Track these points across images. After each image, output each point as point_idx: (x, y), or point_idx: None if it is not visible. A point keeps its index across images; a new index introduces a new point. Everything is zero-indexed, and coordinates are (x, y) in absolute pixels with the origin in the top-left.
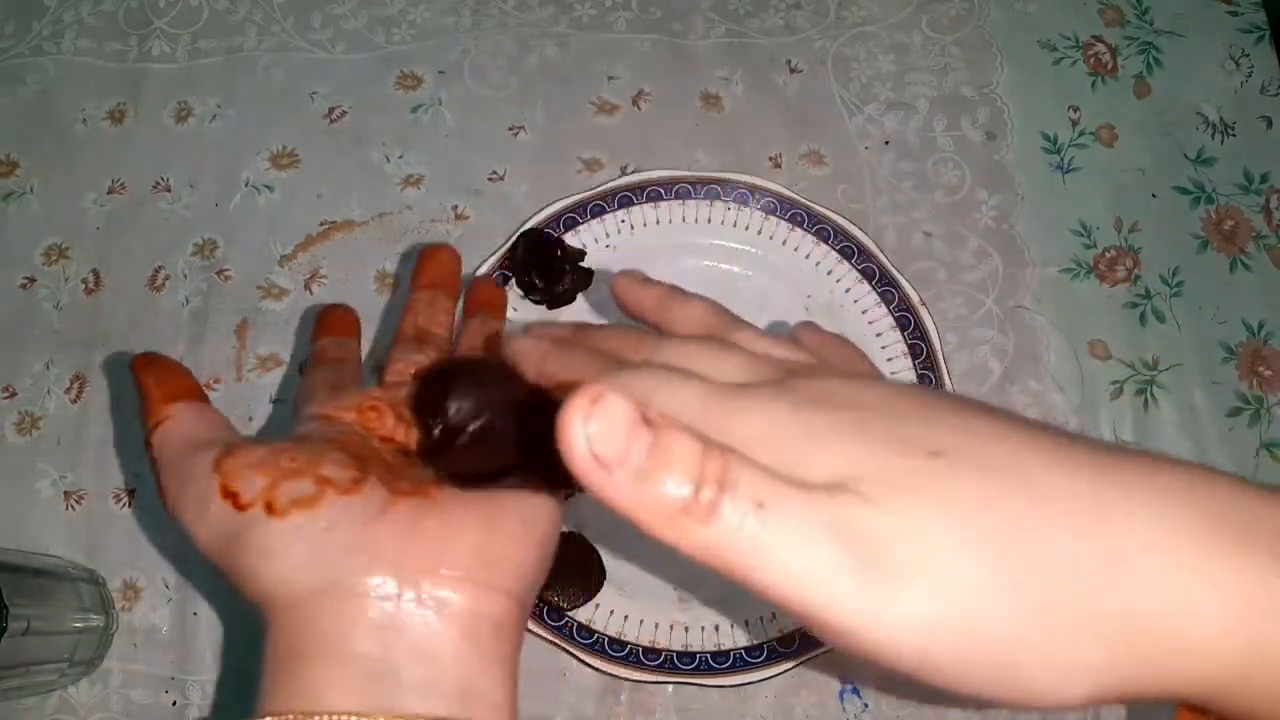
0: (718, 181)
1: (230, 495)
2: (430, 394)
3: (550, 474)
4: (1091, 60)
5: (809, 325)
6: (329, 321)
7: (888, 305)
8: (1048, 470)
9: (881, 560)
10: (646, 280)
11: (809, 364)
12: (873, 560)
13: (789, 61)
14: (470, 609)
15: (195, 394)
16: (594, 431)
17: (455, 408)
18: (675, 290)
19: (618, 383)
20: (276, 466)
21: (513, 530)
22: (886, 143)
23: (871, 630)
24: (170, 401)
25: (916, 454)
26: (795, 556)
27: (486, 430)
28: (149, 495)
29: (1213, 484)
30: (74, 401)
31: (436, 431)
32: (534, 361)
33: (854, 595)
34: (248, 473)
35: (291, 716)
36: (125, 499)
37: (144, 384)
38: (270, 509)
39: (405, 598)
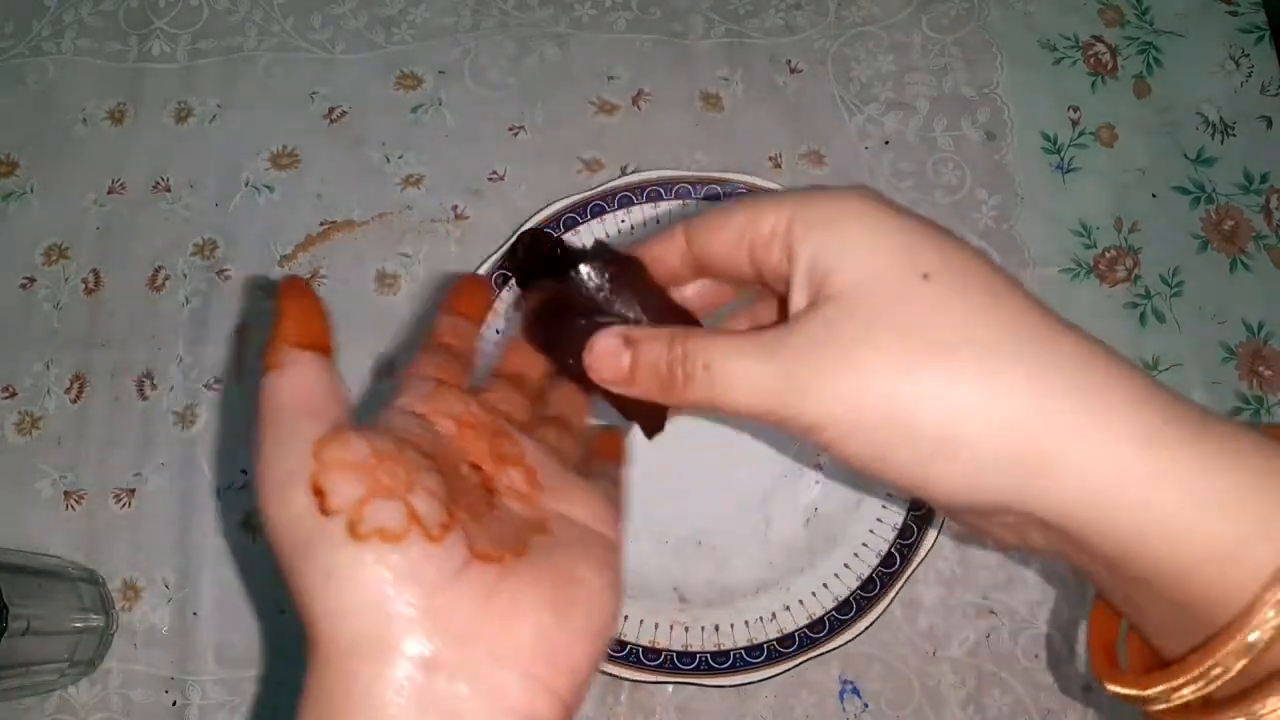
0: (718, 181)
1: (319, 493)
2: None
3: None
4: (1091, 60)
5: None
6: (461, 296)
7: None
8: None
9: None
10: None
11: None
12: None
13: (789, 61)
14: (524, 706)
15: (326, 346)
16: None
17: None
18: None
19: None
20: (374, 477)
21: (578, 624)
22: (886, 143)
23: (798, 418)
24: (300, 346)
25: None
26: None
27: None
28: (149, 495)
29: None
30: (74, 401)
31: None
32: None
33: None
34: (346, 473)
35: None
36: (125, 499)
37: (285, 311)
38: (353, 528)
39: (458, 679)
